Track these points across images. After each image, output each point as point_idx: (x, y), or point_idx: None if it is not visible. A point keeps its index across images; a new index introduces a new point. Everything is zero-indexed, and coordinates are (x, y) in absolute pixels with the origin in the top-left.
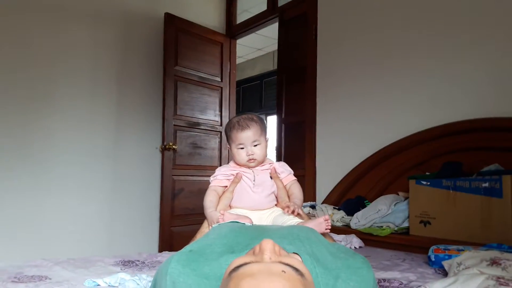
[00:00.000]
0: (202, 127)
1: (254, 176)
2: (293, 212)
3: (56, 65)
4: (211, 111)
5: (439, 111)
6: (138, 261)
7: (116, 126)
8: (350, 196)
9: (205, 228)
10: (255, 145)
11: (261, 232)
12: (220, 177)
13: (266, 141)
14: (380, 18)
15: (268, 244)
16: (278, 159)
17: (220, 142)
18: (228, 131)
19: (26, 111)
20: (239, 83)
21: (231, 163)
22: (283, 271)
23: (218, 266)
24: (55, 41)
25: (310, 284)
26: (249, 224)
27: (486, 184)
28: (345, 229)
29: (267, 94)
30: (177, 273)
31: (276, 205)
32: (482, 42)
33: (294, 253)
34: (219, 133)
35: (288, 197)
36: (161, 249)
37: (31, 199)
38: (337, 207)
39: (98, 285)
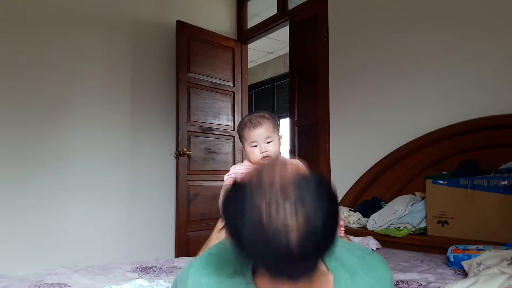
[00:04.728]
0: (215, 132)
1: None
2: None
3: (70, 74)
4: (224, 116)
5: (454, 110)
6: (155, 267)
7: (131, 133)
8: (366, 197)
9: (220, 225)
10: (268, 142)
11: None
12: (234, 175)
13: (279, 137)
14: (391, 17)
15: None
16: None
17: (234, 146)
18: (241, 130)
19: (42, 121)
20: (251, 87)
21: (246, 162)
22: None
23: (239, 266)
24: (69, 50)
25: None
26: None
27: (505, 182)
28: (361, 231)
29: (279, 97)
30: (198, 275)
31: None
32: (496, 39)
33: None
34: (233, 137)
35: None
36: (177, 254)
37: (49, 207)
38: (353, 209)
39: None
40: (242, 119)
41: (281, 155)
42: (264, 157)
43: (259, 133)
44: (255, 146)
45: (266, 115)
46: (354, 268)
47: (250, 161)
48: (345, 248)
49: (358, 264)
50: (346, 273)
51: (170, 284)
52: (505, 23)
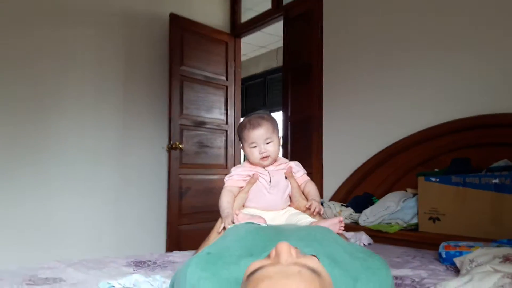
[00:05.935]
0: (208, 126)
1: (270, 177)
2: (317, 212)
3: (61, 67)
4: (216, 110)
5: (447, 108)
6: (150, 261)
7: (123, 126)
8: (357, 193)
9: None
10: (267, 143)
11: (278, 233)
12: (235, 177)
13: (279, 139)
14: (386, 13)
15: (284, 247)
16: (285, 157)
17: (226, 140)
18: (240, 131)
19: (33, 113)
20: (243, 81)
21: (246, 164)
22: (299, 271)
23: (237, 270)
24: (60, 42)
25: (328, 284)
26: (264, 224)
27: (496, 180)
28: (354, 226)
29: (271, 91)
30: (196, 278)
31: (289, 205)
32: (491, 38)
33: (312, 255)
34: (225, 131)
35: (305, 196)
36: (168, 248)
37: (41, 202)
38: (345, 204)
39: (113, 286)
40: (242, 120)
41: (280, 155)
42: (263, 157)
43: (259, 134)
44: (255, 147)
45: (265, 116)
46: (357, 273)
47: (250, 162)
48: (347, 253)
49: (360, 269)
50: (348, 279)
51: (167, 279)
52: (502, 22)
